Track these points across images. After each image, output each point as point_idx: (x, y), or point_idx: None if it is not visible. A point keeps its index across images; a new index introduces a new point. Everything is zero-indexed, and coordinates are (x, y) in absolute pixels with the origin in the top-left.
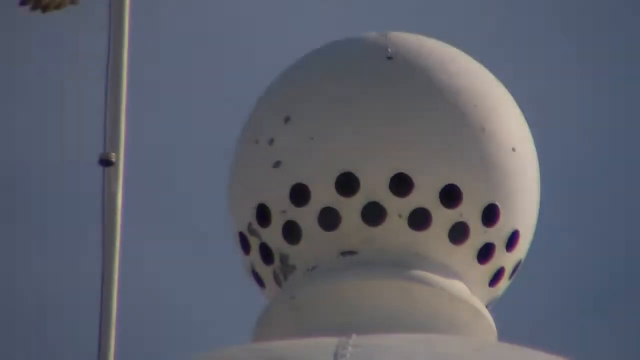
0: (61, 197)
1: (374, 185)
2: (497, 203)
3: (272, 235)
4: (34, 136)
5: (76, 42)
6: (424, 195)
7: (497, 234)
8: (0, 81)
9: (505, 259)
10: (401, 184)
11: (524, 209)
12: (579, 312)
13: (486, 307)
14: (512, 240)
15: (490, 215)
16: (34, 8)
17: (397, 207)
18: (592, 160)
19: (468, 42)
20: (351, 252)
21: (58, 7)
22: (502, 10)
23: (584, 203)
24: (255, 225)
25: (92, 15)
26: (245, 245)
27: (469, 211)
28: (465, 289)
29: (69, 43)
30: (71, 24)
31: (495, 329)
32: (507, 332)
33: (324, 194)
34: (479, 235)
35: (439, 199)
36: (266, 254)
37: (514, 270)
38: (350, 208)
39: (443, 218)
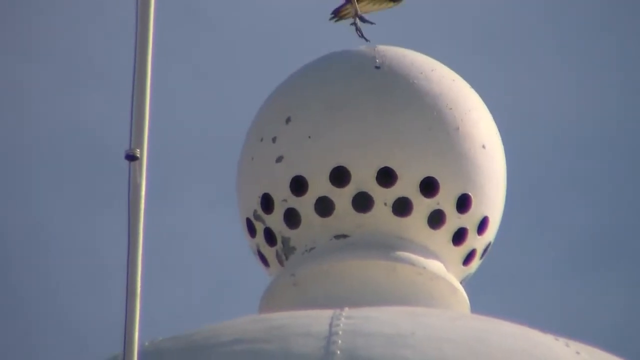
0: (98, 183)
1: (363, 178)
2: (469, 193)
3: (275, 221)
4: (82, 135)
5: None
6: (406, 186)
7: (469, 220)
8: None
9: (477, 242)
10: (386, 177)
11: (492, 198)
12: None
13: (460, 283)
14: (482, 225)
15: (463, 203)
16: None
17: (383, 197)
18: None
19: (446, 52)
20: (344, 236)
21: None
22: (478, 22)
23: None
24: (260, 212)
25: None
26: (252, 230)
27: (445, 200)
28: (443, 267)
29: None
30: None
31: (468, 302)
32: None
33: (320, 185)
34: (453, 221)
35: (419, 190)
36: (270, 237)
37: (484, 251)
38: (343, 197)
39: (423, 206)
